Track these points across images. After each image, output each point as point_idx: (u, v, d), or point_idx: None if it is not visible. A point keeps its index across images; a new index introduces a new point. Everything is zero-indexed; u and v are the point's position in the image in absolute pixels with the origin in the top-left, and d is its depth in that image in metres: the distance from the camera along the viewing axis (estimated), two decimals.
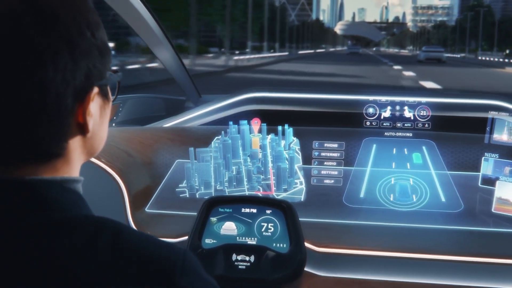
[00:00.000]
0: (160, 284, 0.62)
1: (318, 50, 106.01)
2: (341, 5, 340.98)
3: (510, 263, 1.45)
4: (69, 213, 0.65)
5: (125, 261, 0.61)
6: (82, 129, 0.70)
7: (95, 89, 0.71)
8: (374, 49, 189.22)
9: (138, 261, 0.62)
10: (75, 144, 0.71)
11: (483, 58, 60.24)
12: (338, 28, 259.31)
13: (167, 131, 2.01)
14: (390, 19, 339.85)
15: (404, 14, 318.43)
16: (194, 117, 2.10)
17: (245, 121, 1.89)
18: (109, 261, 0.61)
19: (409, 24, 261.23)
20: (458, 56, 73.92)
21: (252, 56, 41.15)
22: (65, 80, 0.64)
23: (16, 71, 0.61)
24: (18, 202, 0.63)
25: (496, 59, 53.51)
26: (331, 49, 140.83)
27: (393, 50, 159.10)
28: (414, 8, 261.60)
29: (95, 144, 0.76)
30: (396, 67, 35.73)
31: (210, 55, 38.28)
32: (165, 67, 2.28)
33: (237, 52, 43.86)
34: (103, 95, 0.75)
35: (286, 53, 61.85)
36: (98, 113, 0.73)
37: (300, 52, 79.20)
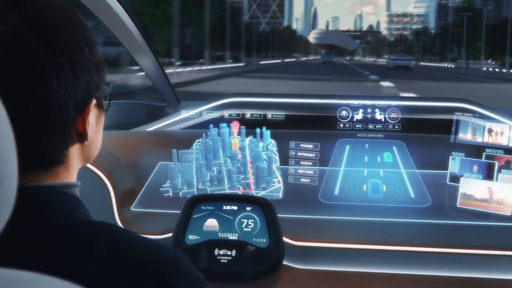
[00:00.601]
0: (154, 284, 0.65)
1: (287, 60, 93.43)
2: (315, 13, 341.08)
3: (474, 253, 1.55)
4: (69, 218, 0.69)
5: (121, 262, 0.64)
6: (82, 137, 0.75)
7: (93, 101, 0.76)
8: (348, 57, 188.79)
9: (133, 262, 0.65)
10: (75, 151, 0.76)
11: (489, 69, 48.57)
12: (312, 37, 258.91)
13: (150, 135, 2.06)
14: (364, 28, 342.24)
15: (378, 23, 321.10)
16: (176, 121, 2.14)
17: (225, 124, 1.95)
18: (106, 262, 0.64)
19: (384, 32, 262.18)
20: (452, 66, 63.27)
21: (181, 69, 29.98)
22: (67, 93, 0.69)
23: (22, 86, 0.65)
24: (21, 207, 0.63)
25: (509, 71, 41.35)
26: (303, 58, 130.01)
27: (369, 59, 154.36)
28: (389, 16, 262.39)
29: (91, 150, 0.82)
30: (385, 83, 25.72)
31: (136, 67, 21.96)
32: (146, 73, 2.33)
33: (178, 63, 31.98)
34: (99, 105, 0.80)
35: (242, 64, 48.50)
36: (94, 122, 0.79)
37: (263, 62, 64.73)
